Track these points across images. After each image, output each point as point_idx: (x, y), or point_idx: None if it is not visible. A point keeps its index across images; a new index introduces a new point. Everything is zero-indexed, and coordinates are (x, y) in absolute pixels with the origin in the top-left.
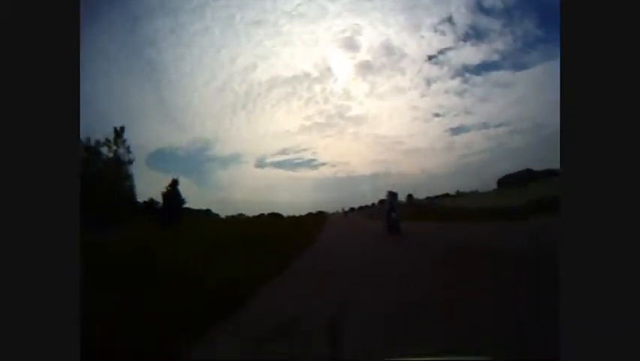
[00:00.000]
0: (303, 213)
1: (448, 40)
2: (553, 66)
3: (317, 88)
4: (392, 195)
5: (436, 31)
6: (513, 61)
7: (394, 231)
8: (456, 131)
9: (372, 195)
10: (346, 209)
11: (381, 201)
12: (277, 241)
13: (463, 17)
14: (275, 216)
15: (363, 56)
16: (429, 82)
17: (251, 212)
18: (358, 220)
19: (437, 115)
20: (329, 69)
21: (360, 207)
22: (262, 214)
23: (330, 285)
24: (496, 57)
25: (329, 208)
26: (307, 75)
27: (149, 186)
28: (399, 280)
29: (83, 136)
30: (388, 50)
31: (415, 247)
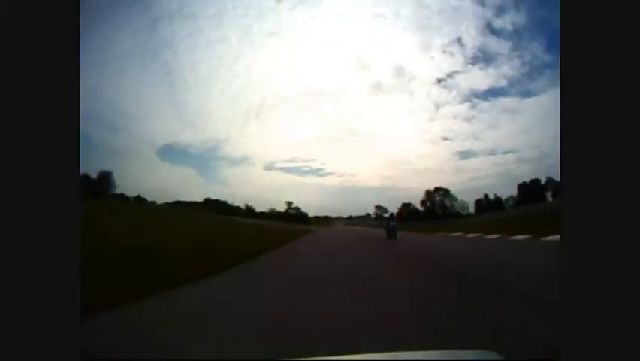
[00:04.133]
0: (310, 214)
1: (457, 63)
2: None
3: (328, 104)
4: (392, 214)
5: (445, 52)
6: (520, 87)
7: (391, 236)
8: (464, 155)
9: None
10: (344, 216)
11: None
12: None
13: (472, 39)
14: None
15: (374, 75)
16: (438, 106)
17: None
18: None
19: (446, 139)
20: (341, 86)
21: (359, 217)
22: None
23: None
24: (503, 83)
25: (333, 213)
26: (320, 91)
27: (159, 177)
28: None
29: None
30: (399, 70)
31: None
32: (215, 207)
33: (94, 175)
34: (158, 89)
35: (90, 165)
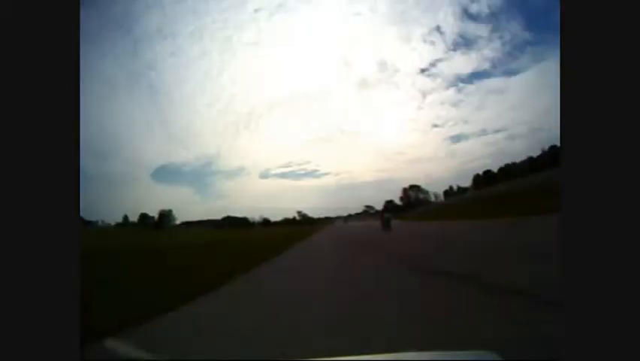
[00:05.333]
0: (312, 217)
1: (438, 51)
2: (543, 69)
3: (316, 105)
4: (386, 207)
5: (425, 42)
6: (503, 67)
7: (386, 227)
8: (456, 139)
9: (375, 200)
10: (343, 215)
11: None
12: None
13: (450, 26)
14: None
15: (358, 72)
16: (424, 94)
17: (257, 216)
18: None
19: (435, 126)
20: (326, 87)
21: (357, 214)
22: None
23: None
24: (486, 65)
25: (333, 213)
26: (306, 94)
27: (158, 199)
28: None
29: None
30: (382, 65)
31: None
32: (236, 222)
33: (153, 214)
34: (145, 112)
35: (86, 194)
